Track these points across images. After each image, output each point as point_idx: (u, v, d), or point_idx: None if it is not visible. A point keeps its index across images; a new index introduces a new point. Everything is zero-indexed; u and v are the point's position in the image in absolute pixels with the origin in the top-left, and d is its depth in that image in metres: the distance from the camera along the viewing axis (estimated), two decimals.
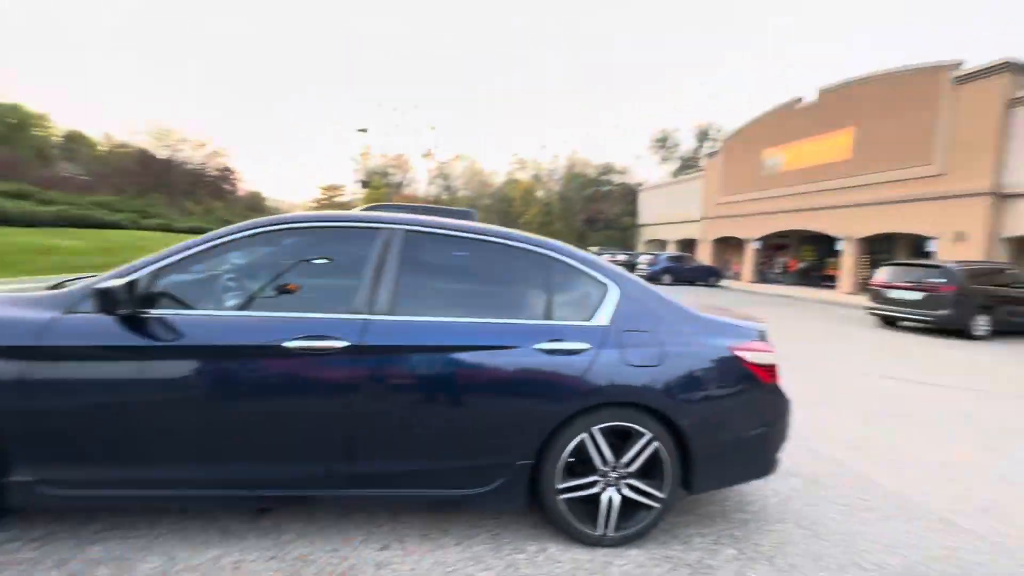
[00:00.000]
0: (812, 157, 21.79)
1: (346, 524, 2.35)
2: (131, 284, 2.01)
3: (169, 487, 2.07)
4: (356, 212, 2.60)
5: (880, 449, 3.73)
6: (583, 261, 2.49)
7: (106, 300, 1.96)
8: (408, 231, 2.36)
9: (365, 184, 33.18)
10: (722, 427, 2.39)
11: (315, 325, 2.13)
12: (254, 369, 2.09)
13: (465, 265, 2.51)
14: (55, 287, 2.24)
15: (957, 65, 16.43)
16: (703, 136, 47.10)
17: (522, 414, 2.22)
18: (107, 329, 2.02)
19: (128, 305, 2.00)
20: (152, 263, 2.12)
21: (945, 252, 16.21)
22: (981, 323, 9.84)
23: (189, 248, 2.18)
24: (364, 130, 31.02)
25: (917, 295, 10.25)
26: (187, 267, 2.20)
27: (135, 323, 2.05)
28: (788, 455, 3.36)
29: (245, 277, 2.40)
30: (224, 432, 2.08)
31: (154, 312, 2.08)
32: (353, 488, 2.16)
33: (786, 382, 2.58)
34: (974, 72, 15.86)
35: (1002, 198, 15.36)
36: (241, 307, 2.25)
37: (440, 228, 2.41)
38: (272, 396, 2.11)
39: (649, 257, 23.89)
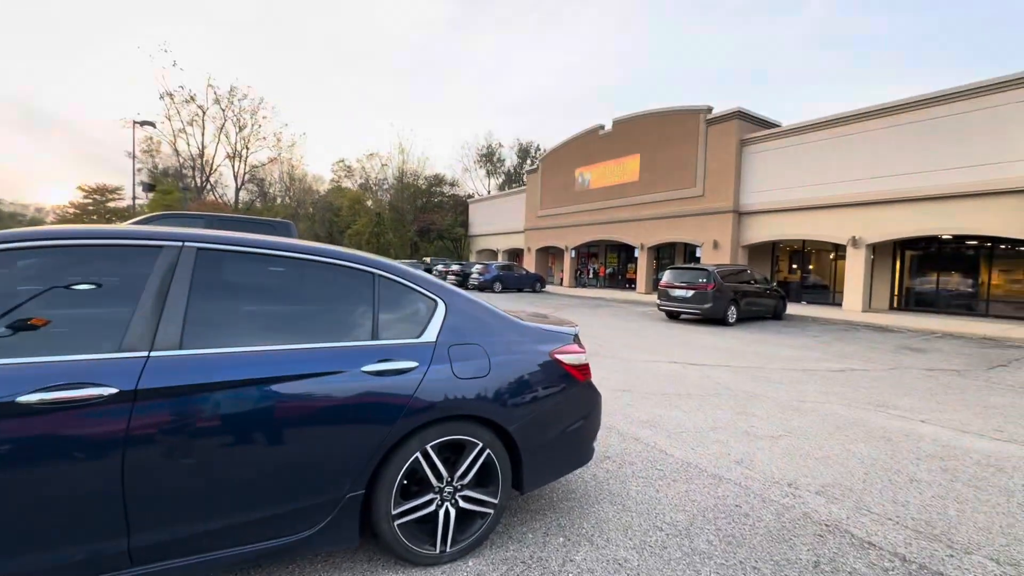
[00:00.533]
0: (612, 177, 25.36)
1: None
2: None
3: None
4: (130, 226, 2.15)
5: (667, 424, 4.47)
6: (409, 278, 2.47)
7: None
8: (201, 248, 2.03)
9: (151, 188, 27.46)
10: (546, 426, 2.59)
11: (70, 370, 1.69)
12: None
13: (278, 286, 2.28)
14: None
15: (709, 110, 20.89)
16: (524, 153, 51.15)
17: (352, 443, 2.08)
18: None
19: None
20: None
21: (707, 257, 20.46)
22: (732, 313, 12.60)
23: None
24: (149, 123, 25.44)
25: (689, 292, 12.68)
26: None
27: None
28: (600, 441, 3.83)
29: None
30: None
31: None
32: (138, 566, 1.75)
33: (595, 374, 2.92)
34: (717, 117, 20.39)
35: (740, 215, 19.98)
36: None
37: (242, 245, 2.13)
38: (5, 470, 1.60)
39: (480, 267, 24.88)
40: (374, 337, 2.26)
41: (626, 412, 4.72)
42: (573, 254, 28.64)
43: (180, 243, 2.00)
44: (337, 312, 2.33)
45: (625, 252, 27.28)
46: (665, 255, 24.35)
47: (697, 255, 21.38)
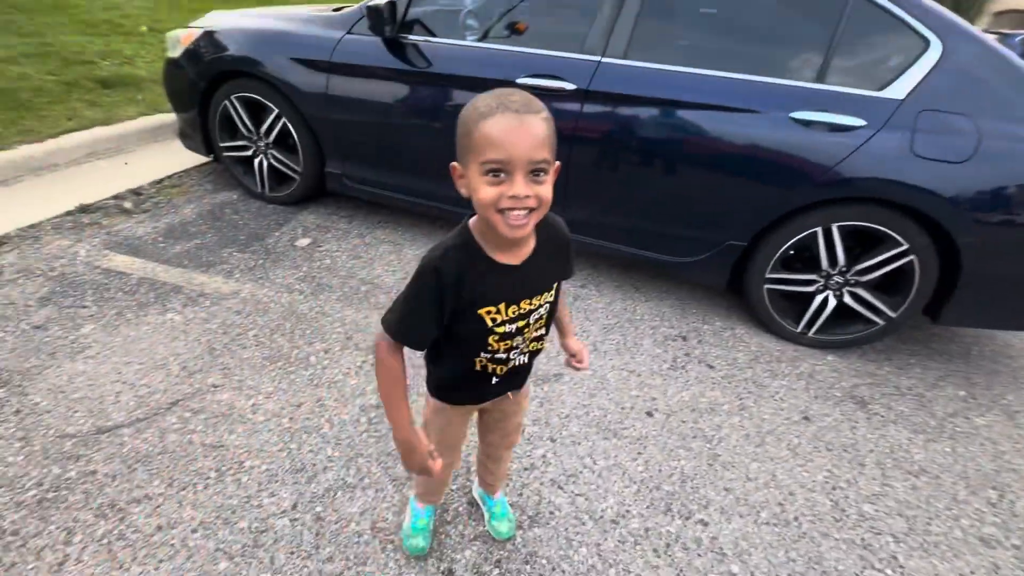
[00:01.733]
0: None
1: None
2: (391, 4, 2.16)
3: (424, 198, 2.54)
4: None
5: None
6: (901, 3, 1.78)
7: (375, 17, 2.17)
8: None
9: None
10: (1012, 261, 1.83)
11: (548, 63, 2.07)
12: None
13: (724, 7, 2.04)
14: (336, 10, 2.55)
15: None
16: None
17: (746, 194, 2.00)
18: (375, 50, 2.29)
19: (391, 27, 2.19)
20: None
21: None
22: None
23: None
24: None
25: None
26: None
27: (396, 47, 2.27)
28: None
29: (485, 9, 2.37)
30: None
31: (411, 38, 2.26)
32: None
33: None
34: None
35: None
36: (481, 39, 2.28)
37: None
38: None
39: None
40: (819, 79, 1.86)
41: None
42: None
43: None
44: (783, 42, 1.97)
45: None
46: None
47: None
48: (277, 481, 1.41)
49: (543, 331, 0.97)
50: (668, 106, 1.99)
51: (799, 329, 2.17)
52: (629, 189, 2.14)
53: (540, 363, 1.90)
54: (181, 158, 3.18)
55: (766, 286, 2.14)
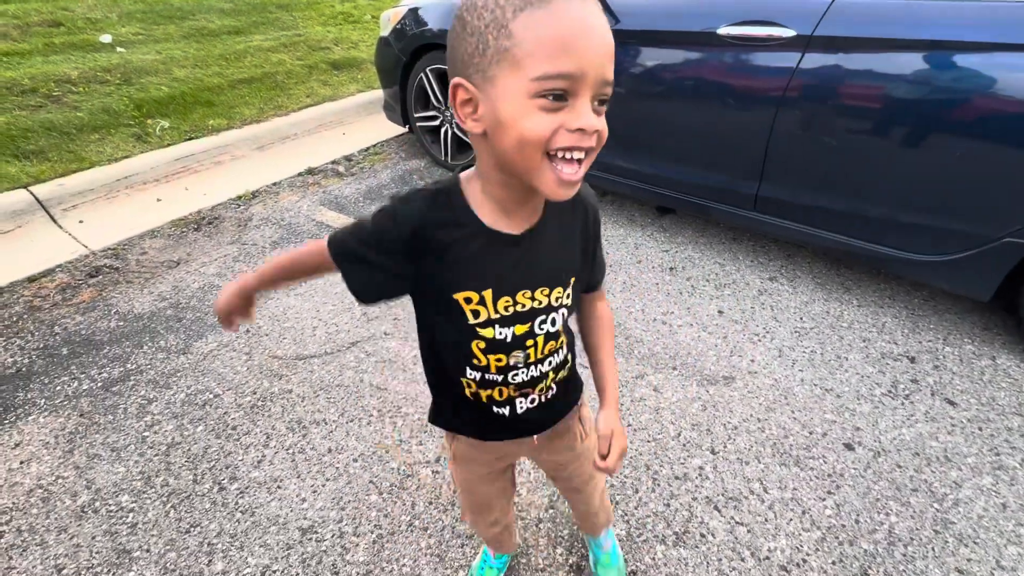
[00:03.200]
0: None
1: (737, 247, 2.32)
2: None
3: (603, 170, 2.39)
4: None
5: None
6: None
7: None
8: None
9: None
10: None
11: (758, 5, 1.72)
12: (682, 61, 1.95)
13: None
14: None
15: None
16: None
17: None
18: None
19: None
20: None
21: None
22: None
23: None
24: None
25: None
26: None
27: None
28: None
29: None
30: (639, 124, 2.13)
31: None
32: (759, 212, 1.98)
33: None
34: None
35: None
36: None
37: None
38: (690, 93, 1.97)
39: None
40: None
41: None
42: None
43: None
44: None
45: None
46: None
47: None
48: (426, 431, 1.48)
49: (560, 355, 0.69)
50: (937, 50, 1.49)
51: None
52: (857, 163, 1.69)
53: (708, 361, 1.65)
54: (386, 129, 3.56)
55: None
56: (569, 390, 0.76)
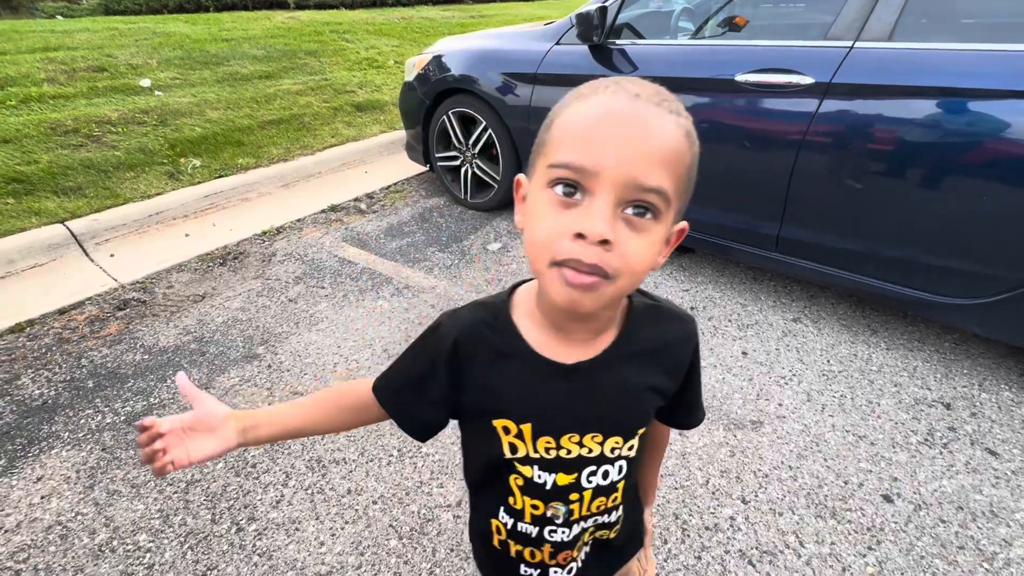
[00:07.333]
0: None
1: (758, 287, 2.30)
2: (602, 9, 2.11)
3: None
4: None
5: None
6: None
7: (584, 24, 2.14)
8: None
9: None
10: None
11: (778, 55, 1.77)
12: (702, 105, 1.99)
13: None
14: (548, 23, 2.62)
15: None
16: None
17: None
18: (580, 59, 2.27)
19: (600, 32, 2.14)
20: None
21: None
22: None
23: None
24: None
25: None
26: None
27: (602, 53, 2.21)
28: None
29: (701, 6, 2.17)
30: None
31: (618, 43, 2.18)
32: (781, 253, 1.97)
33: None
34: None
35: None
36: (693, 37, 2.09)
37: None
38: (710, 137, 2.00)
39: None
40: None
41: None
42: None
43: None
44: None
45: None
46: None
47: None
48: (447, 474, 1.45)
49: (612, 515, 0.57)
50: (954, 97, 1.51)
51: None
52: (879, 205, 1.69)
53: (735, 404, 1.61)
54: (406, 168, 3.67)
55: None
56: (604, 558, 0.63)
